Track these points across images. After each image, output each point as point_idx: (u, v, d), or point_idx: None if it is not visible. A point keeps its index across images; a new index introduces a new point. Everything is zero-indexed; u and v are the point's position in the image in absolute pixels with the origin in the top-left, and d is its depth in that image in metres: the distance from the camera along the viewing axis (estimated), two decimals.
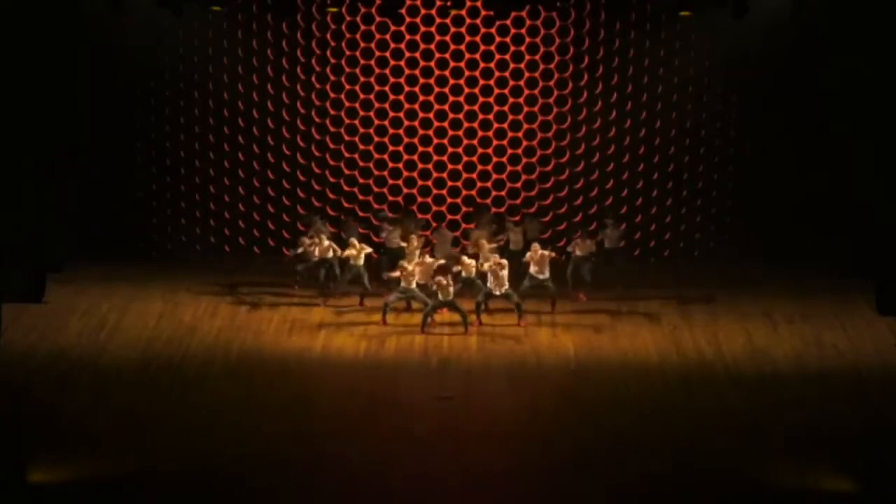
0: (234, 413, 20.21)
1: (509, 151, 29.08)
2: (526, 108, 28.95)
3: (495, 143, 29.04)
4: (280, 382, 21.65)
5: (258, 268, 28.30)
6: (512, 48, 28.77)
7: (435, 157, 29.07)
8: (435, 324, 24.30)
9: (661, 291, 26.65)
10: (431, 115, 28.95)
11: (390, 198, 28.80)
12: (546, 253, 24.93)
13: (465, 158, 29.07)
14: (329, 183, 29.11)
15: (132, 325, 24.26)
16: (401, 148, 29.07)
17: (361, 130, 29.04)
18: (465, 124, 29.01)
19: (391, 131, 29.03)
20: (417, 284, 24.45)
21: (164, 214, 29.09)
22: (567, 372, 22.45)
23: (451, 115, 28.98)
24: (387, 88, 28.89)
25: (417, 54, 28.79)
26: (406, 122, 29.00)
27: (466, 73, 28.83)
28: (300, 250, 25.87)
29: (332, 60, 28.80)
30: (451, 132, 29.02)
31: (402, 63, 28.81)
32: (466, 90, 28.89)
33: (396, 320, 24.66)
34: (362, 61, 28.81)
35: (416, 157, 29.08)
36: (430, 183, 29.08)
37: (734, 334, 24.13)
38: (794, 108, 28.18)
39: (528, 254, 25.04)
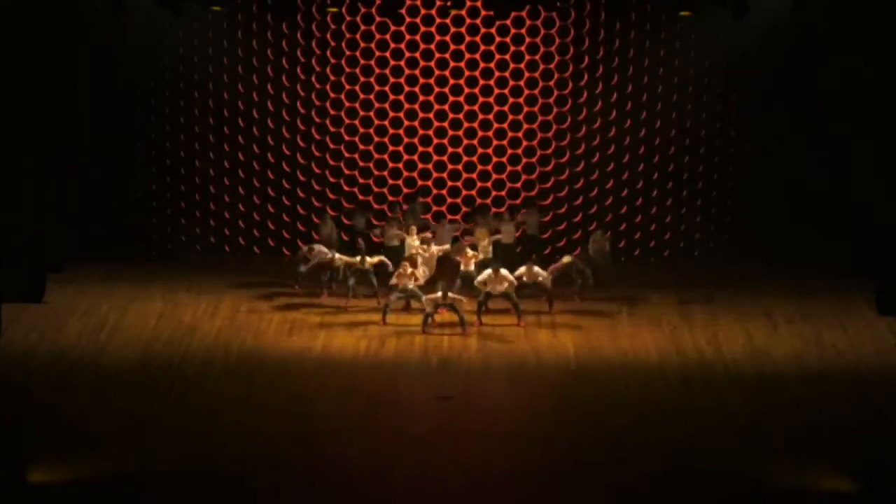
0: (234, 413, 20.20)
1: (509, 151, 29.09)
2: (526, 109, 28.95)
3: (495, 143, 29.05)
4: (280, 382, 21.65)
5: (258, 268, 28.31)
6: (512, 48, 28.77)
7: (435, 158, 29.08)
8: (435, 324, 24.29)
9: (661, 291, 26.66)
10: (431, 116, 28.96)
11: (390, 198, 28.80)
12: (538, 270, 24.82)
13: (465, 158, 29.08)
14: (329, 183, 29.12)
15: (132, 325, 24.26)
16: (401, 148, 29.07)
17: (361, 130, 29.05)
18: (465, 124, 29.02)
19: (391, 131, 29.04)
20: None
21: (164, 214, 29.10)
22: (567, 372, 22.45)
23: (451, 116, 28.99)
24: (387, 88, 28.90)
25: (417, 54, 28.80)
26: (406, 123, 29.01)
27: (466, 73, 28.84)
28: (305, 260, 25.89)
29: (332, 60, 28.81)
30: (451, 132, 29.02)
31: (402, 63, 28.82)
32: (466, 90, 28.90)
33: (396, 320, 24.66)
34: (362, 61, 28.81)
35: (416, 158, 29.08)
36: (430, 183, 29.09)
37: (734, 334, 24.13)
38: (794, 108, 28.19)
39: (522, 269, 24.83)
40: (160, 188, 29.07)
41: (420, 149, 29.07)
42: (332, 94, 28.91)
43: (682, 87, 28.78)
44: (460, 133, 29.03)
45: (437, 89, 28.89)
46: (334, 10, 28.44)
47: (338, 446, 18.99)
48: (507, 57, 28.80)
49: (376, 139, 29.06)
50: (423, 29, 28.73)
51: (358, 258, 25.16)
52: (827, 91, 27.36)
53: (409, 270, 24.34)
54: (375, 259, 25.28)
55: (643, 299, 26.17)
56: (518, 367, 22.65)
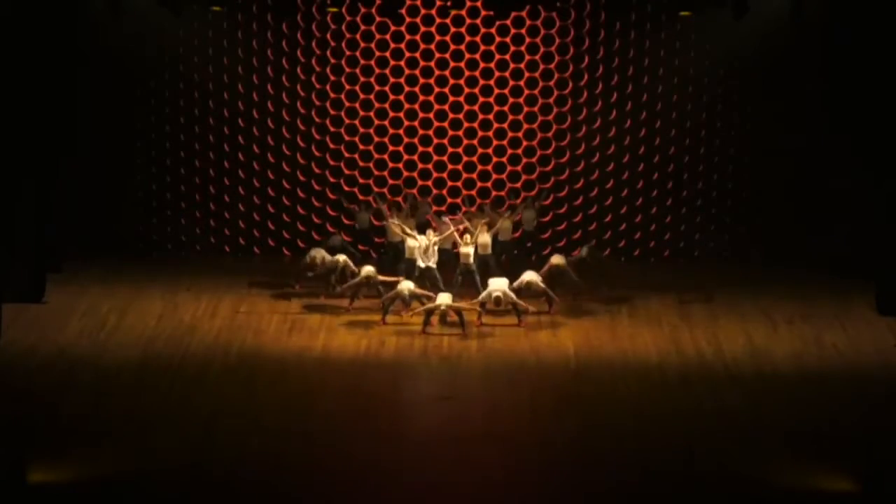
0: (233, 413, 20.19)
1: (509, 151, 29.09)
2: (526, 109, 28.96)
3: (495, 143, 29.05)
4: (280, 382, 21.64)
5: (258, 268, 28.31)
6: (512, 48, 28.78)
7: (435, 158, 29.08)
8: (435, 324, 24.27)
9: (661, 291, 26.65)
10: (431, 116, 28.97)
11: (390, 198, 28.78)
12: (533, 280, 24.79)
13: (465, 158, 29.08)
14: (329, 183, 29.12)
15: (132, 325, 24.26)
16: (401, 148, 29.08)
17: (361, 131, 29.05)
18: (465, 124, 29.02)
19: (391, 131, 29.04)
20: (424, 271, 24.48)
21: (164, 214, 29.10)
22: (567, 371, 22.45)
23: (451, 116, 28.99)
24: (387, 89, 28.90)
25: (417, 54, 28.80)
26: (406, 123, 29.01)
27: (466, 73, 28.84)
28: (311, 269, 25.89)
29: (332, 60, 28.81)
30: (451, 132, 29.03)
31: (402, 63, 28.82)
32: (466, 90, 28.90)
33: (396, 320, 24.65)
34: (362, 61, 28.82)
35: (416, 158, 29.09)
36: (429, 183, 29.08)
37: (734, 334, 24.12)
38: (794, 108, 28.20)
39: (521, 281, 24.79)
40: (160, 188, 29.08)
41: (420, 149, 29.08)
42: (332, 95, 28.91)
43: (682, 87, 28.79)
44: (460, 133, 29.04)
45: (437, 89, 28.90)
46: (334, 10, 28.45)
47: (338, 446, 18.98)
48: (507, 57, 28.81)
49: (376, 139, 29.06)
50: (423, 29, 28.73)
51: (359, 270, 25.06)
52: (827, 91, 27.37)
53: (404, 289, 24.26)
54: (366, 271, 25.02)
55: (643, 299, 26.16)
56: (518, 367, 22.64)
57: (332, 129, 29.04)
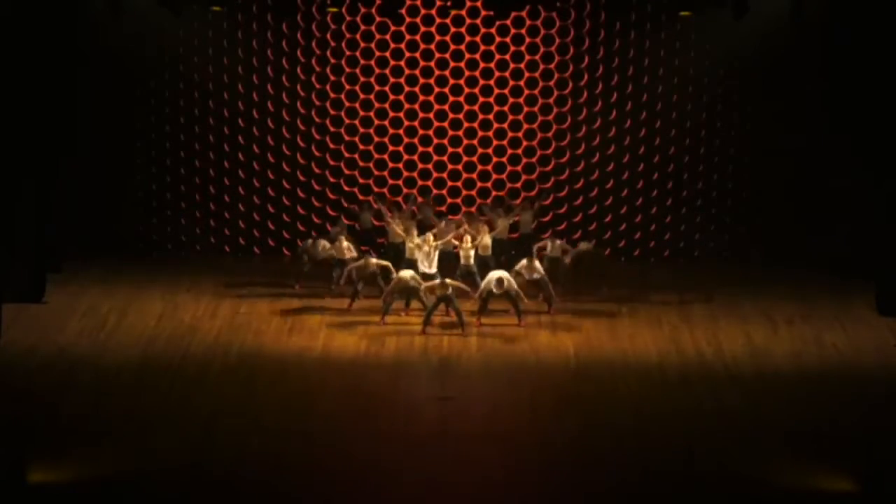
0: (233, 413, 20.19)
1: (509, 151, 29.10)
2: (526, 109, 28.97)
3: (495, 143, 29.07)
4: (280, 382, 21.64)
5: (258, 268, 28.32)
6: (512, 48, 28.79)
7: (435, 158, 29.10)
8: (435, 324, 24.27)
9: (661, 291, 26.66)
10: (431, 116, 28.98)
11: (390, 198, 28.79)
12: (538, 265, 24.80)
13: (465, 158, 29.10)
14: (329, 183, 29.13)
15: (132, 325, 24.26)
16: (401, 148, 29.09)
17: (361, 130, 29.06)
18: (465, 124, 29.04)
19: (391, 131, 29.05)
20: (425, 274, 24.48)
21: (164, 214, 29.12)
22: (567, 371, 22.45)
23: (451, 116, 29.01)
24: (387, 89, 28.91)
25: (417, 54, 28.81)
26: (406, 123, 29.02)
27: (466, 73, 28.85)
28: (308, 256, 25.92)
29: (332, 60, 28.82)
30: (451, 132, 29.04)
31: (402, 63, 28.84)
32: (466, 90, 28.91)
33: (396, 320, 24.65)
34: (362, 61, 28.83)
35: (416, 158, 29.10)
36: (429, 183, 29.10)
37: (734, 334, 24.13)
38: (794, 108, 28.22)
39: (524, 262, 24.77)
40: (160, 188, 29.09)
41: (420, 149, 29.09)
42: (332, 95, 28.92)
43: (682, 87, 28.80)
44: (460, 133, 29.05)
45: (437, 89, 28.91)
46: (334, 10, 28.46)
47: (338, 446, 18.99)
48: (507, 57, 28.81)
49: (376, 139, 29.07)
50: (423, 29, 28.74)
51: (363, 261, 25.03)
52: (827, 91, 27.38)
53: (405, 277, 24.20)
54: (381, 262, 25.09)
55: (643, 299, 26.17)
56: (518, 367, 22.64)
57: (332, 129, 29.05)
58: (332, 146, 29.10)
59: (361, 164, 29.11)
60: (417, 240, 25.28)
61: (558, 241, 26.32)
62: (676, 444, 19.09)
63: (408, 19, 28.71)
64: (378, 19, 28.65)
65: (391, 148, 29.08)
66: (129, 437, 19.05)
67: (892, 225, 25.07)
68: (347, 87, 28.91)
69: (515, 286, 24.24)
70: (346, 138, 29.08)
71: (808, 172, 28.22)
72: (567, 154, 29.12)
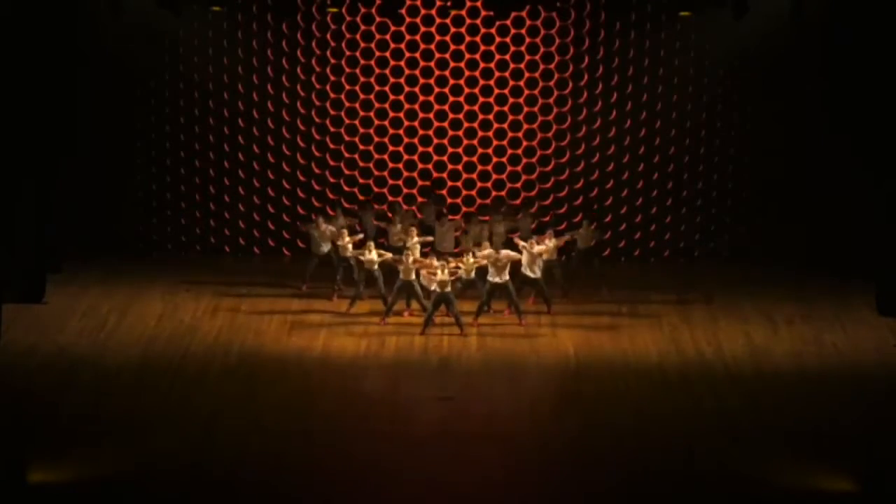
0: (233, 413, 20.20)
1: (509, 152, 29.09)
2: (526, 109, 28.96)
3: (495, 143, 29.05)
4: (280, 382, 21.64)
5: (258, 268, 28.32)
6: (512, 48, 28.78)
7: (435, 158, 29.09)
8: (435, 324, 24.26)
9: (661, 291, 26.66)
10: (431, 116, 28.97)
11: (390, 198, 28.80)
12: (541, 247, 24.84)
13: (465, 159, 29.09)
14: (329, 183, 29.12)
15: (132, 325, 24.26)
16: (401, 148, 29.08)
17: (361, 131, 29.05)
18: (465, 124, 29.02)
19: (391, 131, 29.04)
20: (421, 286, 24.42)
21: (164, 214, 29.11)
22: (567, 371, 22.45)
23: (451, 116, 28.99)
24: (387, 89, 28.90)
25: (417, 54, 28.80)
26: (406, 123, 29.01)
27: (466, 73, 28.84)
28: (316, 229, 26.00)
29: (332, 61, 28.81)
30: (451, 132, 29.03)
31: (402, 63, 28.82)
32: (466, 90, 28.90)
33: (397, 320, 24.65)
34: (362, 61, 28.82)
35: (415, 158, 29.09)
36: (429, 183, 29.08)
37: (734, 334, 24.13)
38: (794, 108, 28.21)
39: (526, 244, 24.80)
40: (160, 188, 29.08)
41: (420, 149, 29.08)
42: (332, 95, 28.91)
43: (682, 87, 28.80)
44: (460, 133, 29.04)
45: (437, 89, 28.90)
46: (334, 10, 28.44)
47: (338, 446, 18.99)
48: (507, 57, 28.80)
49: (376, 139, 29.06)
50: (423, 29, 28.73)
51: (364, 249, 24.93)
52: (827, 91, 27.38)
53: (409, 265, 24.13)
54: (382, 252, 25.00)
55: (643, 299, 26.16)
56: (518, 367, 22.65)
57: (331, 129, 29.04)
58: (332, 146, 29.10)
59: (361, 164, 29.10)
60: (415, 243, 25.14)
61: (553, 240, 25.91)
62: (676, 444, 19.10)
63: (408, 19, 28.70)
64: (378, 19, 28.64)
65: (391, 148, 29.07)
66: (129, 437, 19.06)
67: (892, 225, 25.07)
68: (347, 87, 28.90)
69: (512, 288, 24.26)
70: (346, 138, 29.08)
71: (808, 172, 28.21)
72: (567, 154, 29.11)
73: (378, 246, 25.36)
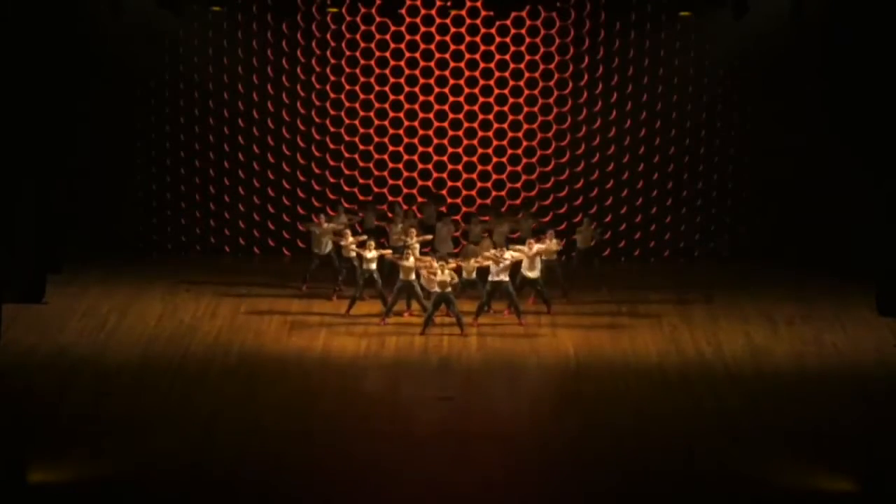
0: (233, 413, 20.19)
1: (509, 152, 29.10)
2: (526, 109, 28.97)
3: (495, 143, 29.06)
4: (280, 382, 21.64)
5: (258, 268, 28.32)
6: (512, 48, 28.78)
7: (435, 158, 29.10)
8: (435, 324, 24.26)
9: (661, 291, 26.66)
10: (431, 116, 28.98)
11: (390, 198, 28.82)
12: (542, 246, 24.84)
13: (465, 159, 29.10)
14: (329, 183, 29.13)
15: (132, 325, 24.26)
16: (401, 148, 29.09)
17: (361, 131, 29.06)
18: (465, 124, 29.03)
19: (391, 131, 29.05)
20: (421, 287, 24.41)
21: (164, 214, 29.12)
22: (567, 371, 22.45)
23: (451, 116, 29.00)
24: (387, 89, 28.91)
25: (417, 54, 28.81)
26: (406, 123, 29.02)
27: (466, 73, 28.85)
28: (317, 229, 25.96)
29: (332, 61, 28.82)
30: (451, 132, 29.04)
31: (402, 63, 28.83)
32: (466, 90, 28.91)
33: (397, 320, 24.64)
34: (362, 61, 28.82)
35: (416, 158, 29.10)
36: (429, 183, 29.09)
37: (734, 334, 24.12)
38: (794, 108, 28.22)
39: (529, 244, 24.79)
40: (160, 188, 29.09)
41: (420, 149, 29.09)
42: (332, 95, 28.92)
43: (682, 87, 28.80)
44: (460, 133, 29.05)
45: (437, 89, 28.91)
46: (334, 10, 28.45)
47: (338, 446, 18.99)
48: (507, 57, 28.81)
49: (376, 139, 29.07)
50: (423, 29, 28.74)
51: (366, 252, 24.91)
52: (827, 91, 27.39)
53: (409, 265, 24.12)
54: (377, 252, 24.97)
55: (643, 299, 26.17)
56: (518, 367, 22.65)
57: (332, 129, 29.05)
58: (331, 146, 29.10)
59: (361, 164, 29.11)
60: (415, 243, 25.11)
61: (554, 241, 25.83)
62: (676, 444, 19.09)
63: (408, 19, 28.71)
64: (378, 19, 28.64)
65: (391, 148, 29.08)
66: (129, 437, 19.05)
67: (892, 225, 25.06)
68: (347, 87, 28.91)
69: (511, 288, 24.27)
70: (346, 138, 29.08)
71: (808, 172, 28.21)
72: (567, 154, 29.12)
73: (379, 246, 25.35)
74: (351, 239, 25.37)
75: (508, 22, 28.69)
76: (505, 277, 24.29)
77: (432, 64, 28.84)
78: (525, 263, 24.72)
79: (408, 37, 28.78)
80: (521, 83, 28.89)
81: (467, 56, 28.81)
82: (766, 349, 23.39)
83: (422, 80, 28.89)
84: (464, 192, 29.10)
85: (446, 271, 23.81)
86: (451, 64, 28.83)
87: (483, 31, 28.75)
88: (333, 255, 25.96)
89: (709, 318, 25.13)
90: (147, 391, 21.05)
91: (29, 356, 22.43)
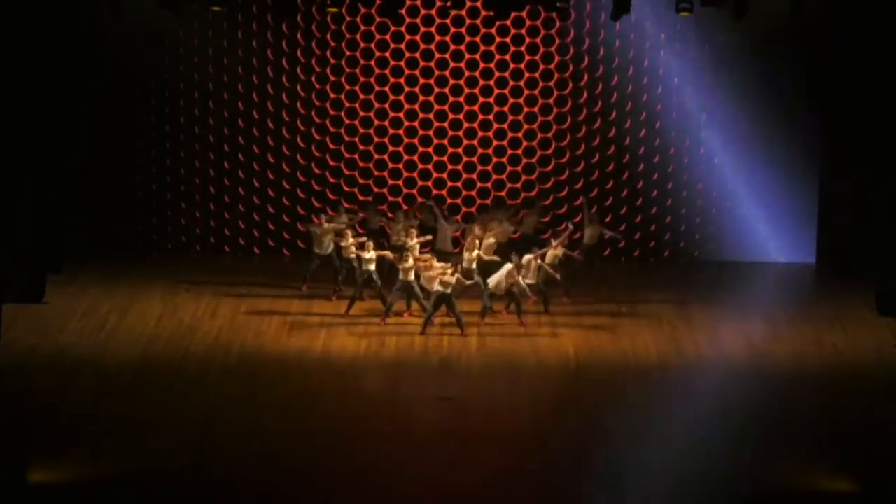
0: (234, 413, 20.20)
1: (509, 152, 29.09)
2: (526, 109, 28.95)
3: (495, 143, 29.05)
4: (280, 382, 21.64)
5: (258, 268, 28.32)
6: (512, 48, 28.78)
7: (435, 158, 29.09)
8: (435, 324, 24.25)
9: (661, 291, 26.66)
10: (431, 116, 28.97)
11: (390, 198, 28.81)
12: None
13: (465, 159, 29.08)
14: (329, 183, 29.13)
15: (132, 325, 24.26)
16: (401, 148, 29.08)
17: (361, 131, 29.05)
18: (465, 125, 29.02)
19: (391, 132, 29.04)
20: (421, 287, 24.40)
21: (164, 214, 29.11)
22: (567, 372, 22.45)
23: (451, 116, 28.99)
24: (387, 89, 28.90)
25: (417, 54, 28.80)
26: (406, 123, 29.01)
27: (466, 73, 28.84)
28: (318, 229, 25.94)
29: (332, 61, 28.81)
30: (451, 132, 29.03)
31: (402, 63, 28.82)
32: (466, 90, 28.90)
33: (397, 321, 24.64)
34: (362, 62, 28.81)
35: (416, 158, 29.09)
36: (429, 183, 29.09)
37: (734, 334, 24.12)
38: (794, 108, 28.21)
39: (529, 256, 24.80)
40: (160, 188, 29.08)
41: (420, 149, 29.08)
42: (332, 95, 28.91)
43: (681, 87, 28.78)
44: (460, 133, 29.03)
45: (437, 90, 28.90)
46: (334, 10, 28.38)
47: (338, 446, 18.99)
48: (507, 57, 28.80)
49: (376, 139, 29.06)
50: (423, 29, 28.73)
51: (365, 253, 24.89)
52: (827, 91, 27.38)
53: (409, 265, 24.10)
54: (376, 254, 24.97)
55: (643, 299, 26.17)
56: (518, 367, 22.64)
57: (332, 129, 29.04)
58: (332, 146, 29.10)
59: (361, 164, 29.10)
60: (415, 243, 25.09)
61: (561, 248, 25.80)
62: (677, 445, 19.08)
63: (408, 19, 28.70)
64: (378, 19, 28.62)
65: (391, 148, 29.07)
66: (129, 437, 19.06)
67: (892, 225, 25.06)
68: (347, 87, 28.90)
69: (524, 284, 24.24)
70: (346, 139, 29.07)
71: (808, 173, 28.21)
72: (567, 154, 29.11)
73: (378, 246, 25.35)
74: (351, 240, 25.36)
75: (508, 22, 28.68)
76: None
77: (432, 64, 28.84)
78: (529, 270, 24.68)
79: (408, 37, 28.77)
80: (521, 83, 28.88)
81: (467, 56, 28.81)
82: (766, 349, 23.39)
83: (422, 81, 28.88)
84: (464, 192, 29.09)
85: (448, 271, 23.79)
86: (451, 64, 28.83)
87: (483, 31, 28.74)
88: (334, 255, 25.96)
89: (709, 318, 25.13)
90: (147, 391, 21.05)
91: (29, 356, 22.44)
